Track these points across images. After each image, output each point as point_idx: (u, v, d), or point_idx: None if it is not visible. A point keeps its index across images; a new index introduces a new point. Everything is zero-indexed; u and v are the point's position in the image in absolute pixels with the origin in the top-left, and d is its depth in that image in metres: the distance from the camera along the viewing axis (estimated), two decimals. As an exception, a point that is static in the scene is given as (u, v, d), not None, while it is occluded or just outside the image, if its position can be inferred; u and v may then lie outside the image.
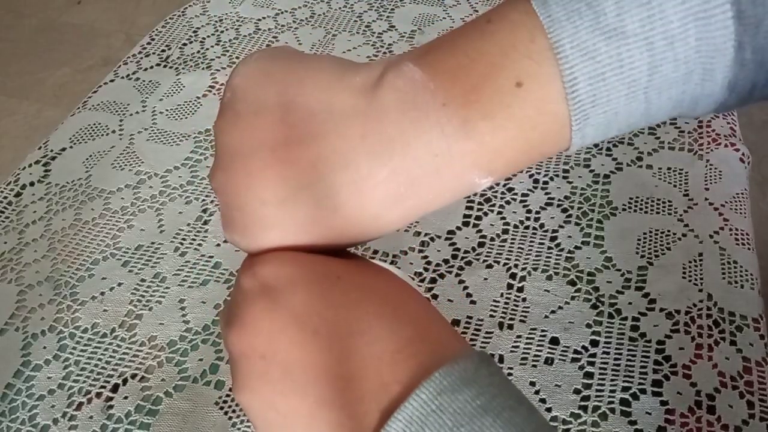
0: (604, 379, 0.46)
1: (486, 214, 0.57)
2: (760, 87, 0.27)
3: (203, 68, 0.74)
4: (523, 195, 0.58)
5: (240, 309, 0.30)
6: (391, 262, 0.55)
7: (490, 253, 0.54)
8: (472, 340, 0.49)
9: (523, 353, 0.48)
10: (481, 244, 0.55)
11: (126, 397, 0.48)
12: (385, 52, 0.74)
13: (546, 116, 0.27)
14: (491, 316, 0.50)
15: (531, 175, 0.60)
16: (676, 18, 0.25)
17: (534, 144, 0.28)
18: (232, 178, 0.30)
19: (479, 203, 0.58)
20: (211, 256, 0.56)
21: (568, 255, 0.54)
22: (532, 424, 0.26)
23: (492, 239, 0.55)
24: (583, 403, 0.45)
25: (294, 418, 0.29)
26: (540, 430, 0.26)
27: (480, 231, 0.56)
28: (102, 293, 0.55)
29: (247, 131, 0.30)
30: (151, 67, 0.75)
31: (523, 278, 0.53)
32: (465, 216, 0.57)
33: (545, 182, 0.59)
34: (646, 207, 0.57)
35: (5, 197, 0.63)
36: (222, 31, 0.79)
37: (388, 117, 0.28)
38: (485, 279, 0.53)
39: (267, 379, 0.29)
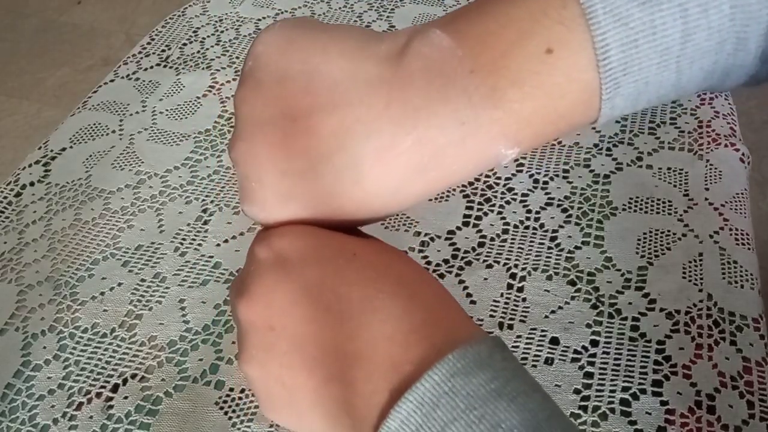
0: (604, 379, 0.46)
1: (486, 214, 0.57)
2: None
3: (203, 68, 0.74)
4: (523, 195, 0.58)
5: (252, 279, 0.30)
6: (391, 262, 0.55)
7: (490, 253, 0.54)
8: (472, 340, 0.49)
9: (523, 353, 0.48)
10: (481, 244, 0.55)
11: (126, 397, 0.48)
12: (385, 52, 0.74)
13: (576, 84, 0.27)
14: (491, 316, 0.50)
15: (531, 175, 0.60)
16: None
17: (563, 113, 0.27)
18: (252, 149, 0.30)
19: (479, 203, 0.58)
20: (211, 256, 0.56)
21: (568, 255, 0.54)
22: (546, 410, 0.25)
23: (492, 239, 0.55)
24: (583, 403, 0.45)
25: (300, 393, 0.28)
26: (554, 417, 0.25)
27: (480, 231, 0.56)
28: (102, 293, 0.55)
29: (270, 100, 0.29)
30: (151, 67, 0.75)
31: (523, 278, 0.53)
32: (465, 216, 0.57)
33: (545, 182, 0.59)
34: (646, 207, 0.57)
35: (5, 197, 0.63)
36: (222, 31, 0.79)
37: (413, 85, 0.28)
38: (485, 279, 0.53)
39: (275, 352, 0.29)
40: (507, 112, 0.27)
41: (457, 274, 0.53)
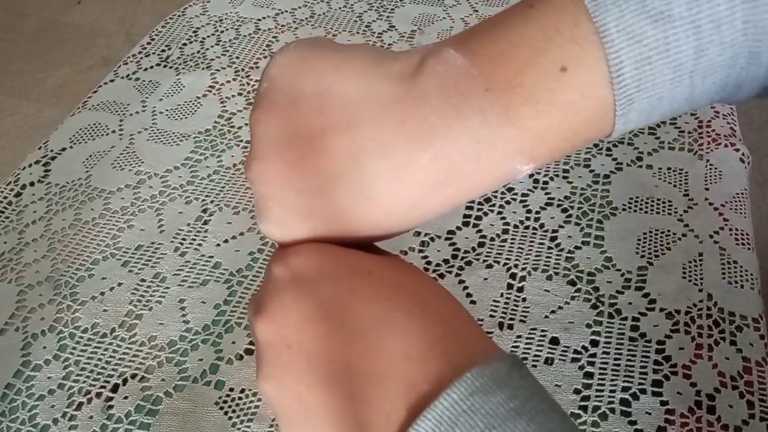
0: (604, 379, 0.46)
1: (486, 214, 0.57)
2: None
3: (203, 68, 0.74)
4: (523, 195, 0.58)
5: (269, 297, 0.30)
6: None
7: (490, 253, 0.54)
8: (472, 340, 0.49)
9: (523, 353, 0.48)
10: (481, 244, 0.55)
11: (126, 397, 0.48)
12: (385, 52, 0.74)
13: (590, 101, 0.27)
14: (491, 316, 0.50)
15: (531, 175, 0.60)
16: (723, 1, 0.25)
17: (577, 129, 0.28)
18: (268, 168, 0.30)
19: (479, 203, 0.58)
20: (211, 256, 0.56)
21: (568, 255, 0.54)
22: (565, 430, 0.25)
23: (492, 239, 0.55)
24: (583, 403, 0.45)
25: (317, 411, 0.28)
26: None
27: (480, 231, 0.56)
28: (102, 293, 0.55)
29: (285, 121, 0.30)
30: (151, 67, 0.75)
31: (523, 278, 0.52)
32: (465, 216, 0.57)
33: (545, 182, 0.59)
34: (646, 207, 0.57)
35: (5, 197, 0.63)
36: (222, 31, 0.79)
37: (429, 103, 0.28)
38: (485, 279, 0.53)
39: (292, 370, 0.29)
40: (522, 130, 0.27)
41: (457, 274, 0.53)
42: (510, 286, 0.52)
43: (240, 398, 0.47)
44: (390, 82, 0.29)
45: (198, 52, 0.76)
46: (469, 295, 0.52)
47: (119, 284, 0.55)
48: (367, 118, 0.29)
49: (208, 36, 0.78)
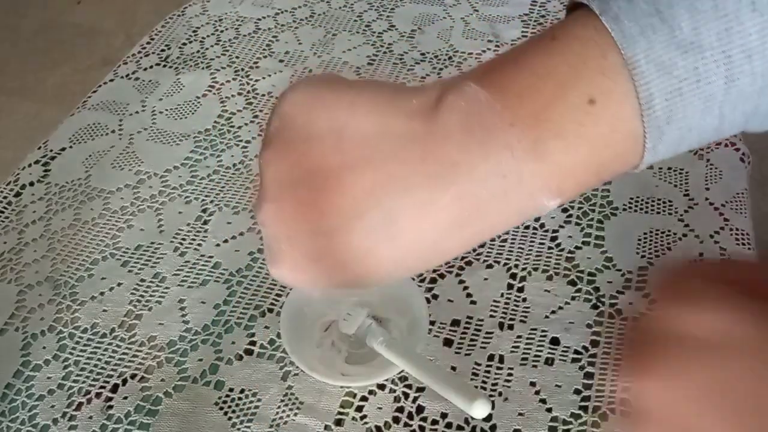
0: (604, 380, 0.46)
1: (486, 214, 0.57)
2: None
3: (203, 68, 0.74)
4: (524, 195, 0.58)
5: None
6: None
7: (490, 253, 0.54)
8: (472, 340, 0.49)
9: (524, 353, 0.48)
10: (481, 244, 0.55)
11: (125, 398, 0.48)
12: (385, 52, 0.74)
13: (619, 134, 0.26)
14: (491, 316, 0.50)
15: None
16: (755, 30, 0.25)
17: (605, 162, 0.27)
18: (281, 209, 0.29)
19: (479, 203, 0.58)
20: (211, 256, 0.56)
21: (569, 255, 0.54)
22: None
23: (492, 239, 0.55)
24: (583, 404, 0.45)
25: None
26: None
27: (480, 231, 0.56)
28: (102, 293, 0.54)
29: (298, 160, 0.29)
30: (151, 67, 0.75)
31: (523, 278, 0.52)
32: (465, 216, 0.57)
33: (545, 182, 0.59)
34: (647, 207, 0.57)
35: (5, 197, 0.63)
36: (222, 31, 0.79)
37: (450, 139, 0.27)
38: (485, 279, 0.53)
39: None
40: (550, 165, 0.27)
41: (457, 274, 0.53)
42: (510, 286, 0.52)
43: (240, 398, 0.47)
44: (408, 118, 0.28)
45: (198, 51, 0.76)
46: (469, 295, 0.52)
47: (119, 284, 0.55)
48: (385, 155, 0.28)
49: (208, 36, 0.78)
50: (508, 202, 0.28)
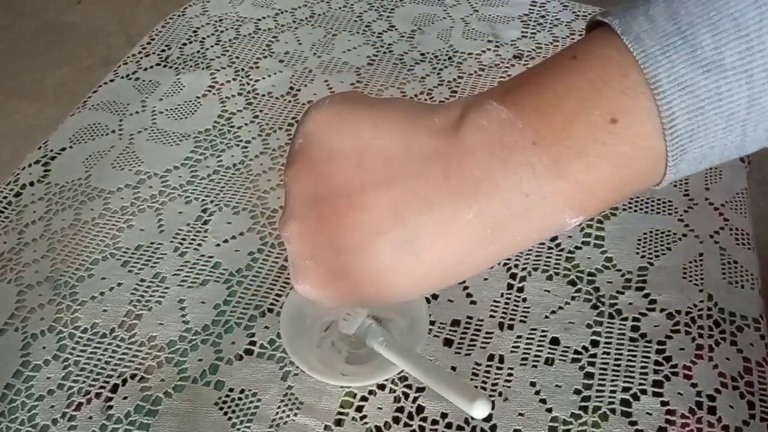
0: (604, 380, 0.46)
1: (486, 214, 0.57)
2: None
3: (203, 68, 0.74)
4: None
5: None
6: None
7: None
8: (472, 340, 0.49)
9: (524, 353, 0.48)
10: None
11: (125, 398, 0.48)
12: (385, 52, 0.74)
13: (642, 152, 0.26)
14: (491, 316, 0.50)
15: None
16: None
17: (628, 180, 0.27)
18: (306, 226, 0.30)
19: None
20: (211, 256, 0.56)
21: (569, 255, 0.54)
22: None
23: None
24: (583, 404, 0.45)
25: None
26: None
27: (480, 231, 0.56)
28: (101, 293, 0.54)
29: (322, 177, 0.29)
30: (151, 67, 0.75)
31: (523, 278, 0.52)
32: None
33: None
34: (647, 207, 0.57)
35: (5, 197, 0.63)
36: (222, 31, 0.79)
37: (473, 157, 0.27)
38: (485, 279, 0.53)
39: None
40: (572, 183, 0.27)
41: (457, 275, 0.53)
42: (510, 286, 0.52)
43: (240, 398, 0.47)
44: (431, 136, 0.28)
45: (198, 51, 0.76)
46: (469, 295, 0.52)
47: (119, 284, 0.55)
48: (408, 173, 0.28)
49: (208, 36, 0.78)
50: (530, 220, 0.28)
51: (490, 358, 0.48)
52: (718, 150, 0.27)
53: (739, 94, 0.25)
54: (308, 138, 0.30)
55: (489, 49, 0.73)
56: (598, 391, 0.46)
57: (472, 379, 0.47)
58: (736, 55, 0.25)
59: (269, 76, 0.72)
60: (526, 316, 0.50)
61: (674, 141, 0.26)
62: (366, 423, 0.45)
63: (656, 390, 0.45)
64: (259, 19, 0.80)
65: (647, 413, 0.44)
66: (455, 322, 0.50)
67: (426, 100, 0.68)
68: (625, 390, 0.45)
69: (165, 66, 0.75)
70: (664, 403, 0.45)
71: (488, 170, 0.27)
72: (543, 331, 0.49)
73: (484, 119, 0.28)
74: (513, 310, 0.51)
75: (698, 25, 0.25)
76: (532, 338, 0.49)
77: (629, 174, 0.27)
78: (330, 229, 0.29)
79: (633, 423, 0.44)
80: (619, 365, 0.47)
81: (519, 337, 0.49)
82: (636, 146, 0.26)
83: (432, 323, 0.50)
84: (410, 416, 0.46)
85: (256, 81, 0.72)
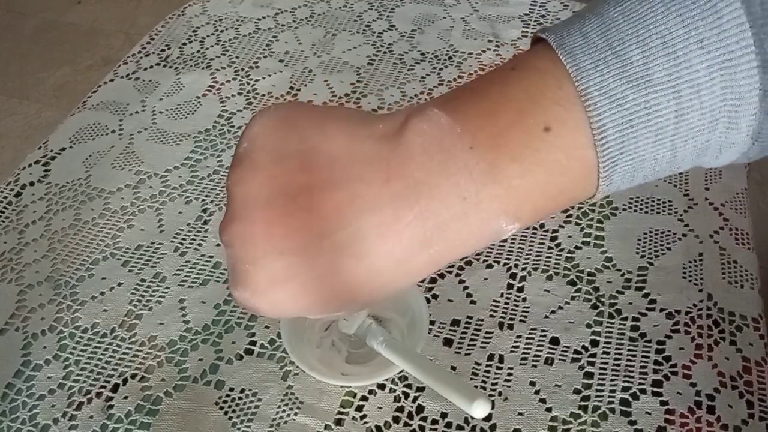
0: (604, 379, 0.46)
1: (486, 214, 0.57)
2: None
3: (203, 68, 0.74)
4: (523, 195, 0.58)
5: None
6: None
7: (490, 253, 0.54)
8: (472, 340, 0.49)
9: (524, 353, 0.48)
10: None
11: (126, 397, 0.48)
12: (385, 52, 0.74)
13: (574, 161, 0.27)
14: (491, 316, 0.50)
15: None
16: (702, 67, 0.25)
17: (562, 189, 0.28)
18: (248, 229, 0.30)
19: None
20: (211, 256, 0.56)
21: (568, 255, 0.54)
22: None
23: (492, 239, 0.55)
24: (583, 403, 0.45)
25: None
26: None
27: (480, 231, 0.56)
28: (102, 293, 0.54)
29: (267, 180, 0.30)
30: (151, 67, 0.75)
31: (523, 278, 0.52)
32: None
33: (545, 182, 0.59)
34: (646, 207, 0.57)
35: (5, 197, 0.63)
36: (222, 31, 0.79)
37: (413, 160, 0.28)
38: (485, 279, 0.53)
39: None
40: (507, 189, 0.28)
41: (457, 274, 0.53)
42: (510, 286, 0.52)
43: (240, 398, 0.47)
44: (375, 141, 0.29)
45: (198, 51, 0.76)
46: (469, 295, 0.52)
47: (119, 284, 0.55)
48: (353, 176, 0.29)
49: (208, 35, 0.78)
50: (468, 224, 0.28)
51: (490, 357, 0.48)
52: (649, 164, 0.28)
53: (667, 109, 0.26)
54: (253, 142, 0.31)
55: (489, 49, 0.73)
56: (597, 390, 0.46)
57: (472, 379, 0.47)
58: (664, 71, 0.26)
59: (269, 75, 0.72)
60: (526, 316, 0.50)
61: (605, 152, 0.27)
62: (366, 423, 0.46)
63: (655, 389, 0.45)
64: (259, 19, 0.80)
65: (647, 413, 0.44)
66: (455, 322, 0.50)
67: (426, 100, 0.68)
68: (625, 389, 0.46)
69: (165, 66, 0.75)
70: (663, 403, 0.45)
71: (428, 173, 0.28)
72: (543, 330, 0.49)
73: (425, 124, 0.28)
74: (513, 309, 0.51)
75: (628, 42, 0.26)
76: (532, 338, 0.49)
77: (563, 182, 0.28)
78: (273, 230, 0.29)
79: (632, 422, 0.44)
80: (618, 365, 0.47)
81: (519, 336, 0.49)
82: (569, 155, 0.27)
83: (432, 323, 0.50)
84: (410, 416, 0.46)
85: (256, 81, 0.72)
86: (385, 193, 0.28)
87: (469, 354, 0.48)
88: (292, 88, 0.71)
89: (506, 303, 0.51)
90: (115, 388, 0.49)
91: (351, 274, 0.29)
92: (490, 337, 0.49)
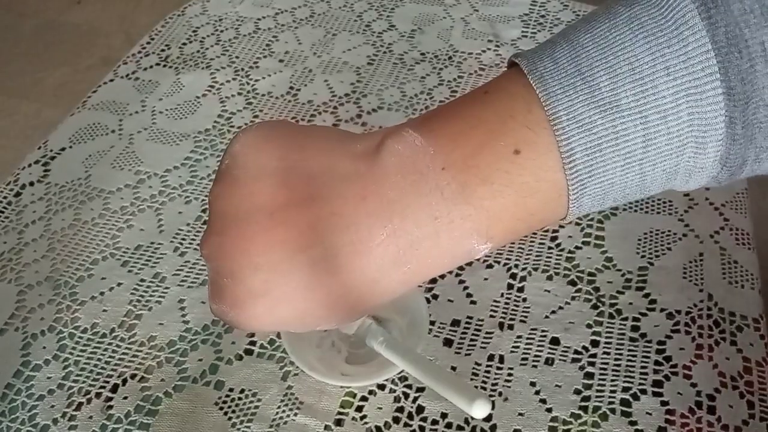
0: (604, 380, 0.46)
1: (486, 214, 0.57)
2: (750, 162, 0.27)
3: (203, 68, 0.74)
4: (524, 195, 0.58)
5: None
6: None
7: (490, 253, 0.54)
8: (472, 340, 0.49)
9: (524, 353, 0.48)
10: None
11: (125, 398, 0.48)
12: (385, 52, 0.74)
13: (544, 183, 0.28)
14: (491, 316, 0.50)
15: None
16: (669, 93, 0.26)
17: (532, 211, 0.29)
18: (226, 243, 0.30)
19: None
20: (211, 256, 0.56)
21: (569, 255, 0.54)
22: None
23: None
24: (583, 404, 0.45)
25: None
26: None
27: (480, 231, 0.56)
28: (101, 293, 0.54)
29: (246, 196, 0.30)
30: (151, 67, 0.75)
31: (523, 278, 0.52)
32: (465, 216, 0.57)
33: (545, 182, 0.59)
34: (647, 207, 0.57)
35: (5, 197, 0.63)
36: (222, 31, 0.79)
37: (388, 180, 0.29)
38: (485, 279, 0.53)
39: None
40: (478, 209, 0.28)
41: (457, 274, 0.53)
42: (510, 286, 0.52)
43: (240, 398, 0.47)
44: (352, 160, 0.30)
45: (198, 51, 0.76)
46: (469, 295, 0.52)
47: (119, 284, 0.55)
48: (330, 193, 0.29)
49: (208, 35, 0.78)
50: (440, 243, 0.29)
51: (490, 358, 0.48)
52: (618, 187, 0.28)
53: (635, 134, 0.26)
54: (234, 159, 0.31)
55: (489, 49, 0.73)
56: (598, 390, 0.46)
57: (472, 379, 0.47)
58: (632, 96, 0.26)
59: (269, 75, 0.72)
60: (526, 316, 0.50)
61: (574, 176, 0.27)
62: (366, 423, 0.46)
63: (656, 390, 0.45)
64: (259, 19, 0.80)
65: (647, 413, 0.44)
66: (455, 322, 0.50)
67: (426, 99, 0.68)
68: (625, 390, 0.46)
69: (165, 66, 0.75)
70: (663, 403, 0.45)
71: (401, 192, 0.29)
72: (543, 331, 0.49)
73: (399, 145, 0.29)
74: (513, 310, 0.51)
75: (597, 68, 0.26)
76: (532, 338, 0.49)
77: (533, 204, 0.28)
78: (250, 245, 0.30)
79: (633, 423, 0.44)
80: (619, 365, 0.47)
81: (519, 337, 0.49)
82: (538, 177, 0.28)
83: (432, 323, 0.50)
84: (410, 416, 0.46)
85: (256, 81, 0.72)
86: (361, 210, 0.29)
87: (469, 354, 0.48)
88: (291, 88, 0.71)
89: (506, 303, 0.51)
90: (114, 389, 0.49)
91: (326, 289, 0.30)
92: (491, 338, 0.49)
